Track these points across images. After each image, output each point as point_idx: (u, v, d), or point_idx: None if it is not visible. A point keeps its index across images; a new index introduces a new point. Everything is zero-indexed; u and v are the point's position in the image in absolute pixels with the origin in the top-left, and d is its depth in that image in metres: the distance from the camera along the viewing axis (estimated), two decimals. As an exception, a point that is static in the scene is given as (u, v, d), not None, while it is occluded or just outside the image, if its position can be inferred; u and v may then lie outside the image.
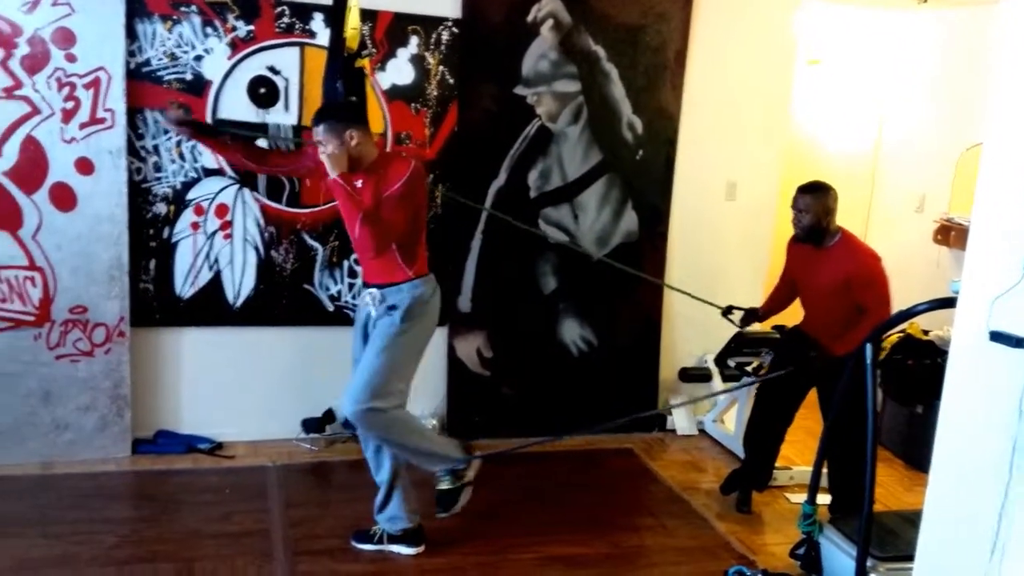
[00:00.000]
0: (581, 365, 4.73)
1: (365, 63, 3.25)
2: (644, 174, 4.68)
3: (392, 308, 3.16)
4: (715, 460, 4.59)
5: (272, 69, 4.06)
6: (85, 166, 3.85)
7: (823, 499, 3.86)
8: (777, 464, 4.24)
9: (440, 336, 4.48)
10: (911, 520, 3.07)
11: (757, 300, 4.31)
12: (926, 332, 4.67)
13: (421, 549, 3.38)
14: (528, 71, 4.39)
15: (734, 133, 4.81)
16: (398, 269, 3.16)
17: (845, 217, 5.62)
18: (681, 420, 4.92)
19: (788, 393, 3.86)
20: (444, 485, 3.32)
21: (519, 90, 4.39)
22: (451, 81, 4.29)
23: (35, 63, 3.72)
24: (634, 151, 4.64)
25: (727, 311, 4.16)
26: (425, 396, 4.50)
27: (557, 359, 4.69)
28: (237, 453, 4.22)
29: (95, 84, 3.81)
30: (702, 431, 4.96)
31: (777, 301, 4.09)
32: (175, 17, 3.91)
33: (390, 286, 3.17)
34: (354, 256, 4.30)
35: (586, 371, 4.74)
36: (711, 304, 4.22)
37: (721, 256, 4.89)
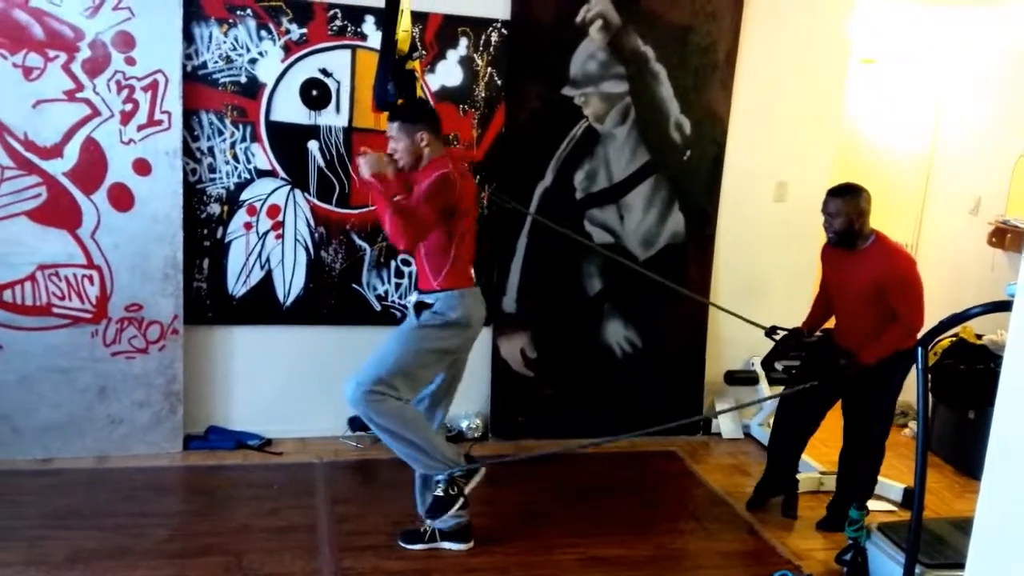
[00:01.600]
0: (625, 367, 4.72)
1: (416, 65, 3.27)
2: (691, 175, 4.65)
3: (420, 306, 3.24)
4: (760, 464, 4.50)
5: (324, 71, 4.12)
6: (142, 167, 3.95)
7: (874, 505, 3.82)
8: (824, 470, 4.20)
9: (484, 336, 4.48)
10: (961, 527, 3.03)
11: (807, 304, 4.24)
12: (979, 336, 4.58)
13: (471, 545, 3.43)
14: (576, 72, 4.40)
15: (785, 133, 4.76)
16: (425, 278, 3.24)
17: (898, 218, 5.56)
18: (727, 424, 4.89)
19: (814, 401, 3.77)
20: (439, 491, 3.31)
21: (567, 91, 4.40)
22: (499, 82, 4.32)
23: (96, 66, 3.83)
24: (682, 152, 4.61)
25: (771, 331, 4.04)
26: (469, 396, 4.53)
27: (601, 360, 4.69)
28: (285, 449, 4.29)
29: (153, 87, 3.91)
30: (748, 435, 4.92)
31: (819, 313, 3.98)
32: (231, 20, 3.99)
33: (425, 294, 3.26)
34: (401, 257, 4.35)
35: (630, 373, 4.72)
36: (755, 324, 4.13)
37: (771, 258, 4.84)
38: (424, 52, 4.12)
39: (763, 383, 4.81)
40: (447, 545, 3.41)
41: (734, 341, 4.86)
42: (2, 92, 3.73)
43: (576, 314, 4.62)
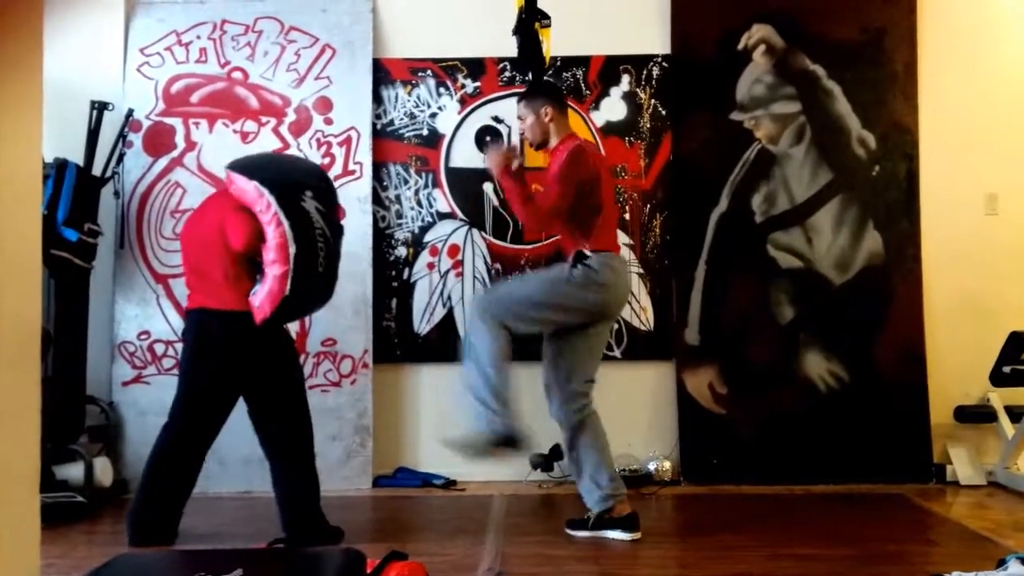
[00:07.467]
0: (831, 403, 4.27)
1: (545, 32, 3.45)
2: (883, 191, 4.36)
3: (577, 257, 3.23)
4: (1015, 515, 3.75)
5: (496, 119, 4.43)
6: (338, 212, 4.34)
7: None
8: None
9: (668, 370, 4.34)
10: None
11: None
12: None
13: (638, 536, 3.20)
14: (743, 96, 4.39)
15: (987, 140, 4.39)
16: (574, 245, 3.26)
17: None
18: (964, 468, 4.19)
19: None
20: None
21: (735, 116, 4.38)
22: (663, 113, 4.40)
23: (300, 127, 4.38)
24: (869, 168, 4.36)
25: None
26: (655, 436, 4.32)
27: (802, 396, 4.28)
28: (468, 488, 4.23)
29: (347, 142, 4.38)
30: (993, 483, 4.17)
31: None
32: (413, 81, 4.45)
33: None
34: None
35: (838, 410, 4.26)
36: None
37: (990, 276, 4.33)
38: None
39: (1003, 419, 4.13)
40: (609, 534, 3.19)
41: (962, 372, 4.27)
42: (224, 155, 4.31)
43: (768, 345, 4.31)
